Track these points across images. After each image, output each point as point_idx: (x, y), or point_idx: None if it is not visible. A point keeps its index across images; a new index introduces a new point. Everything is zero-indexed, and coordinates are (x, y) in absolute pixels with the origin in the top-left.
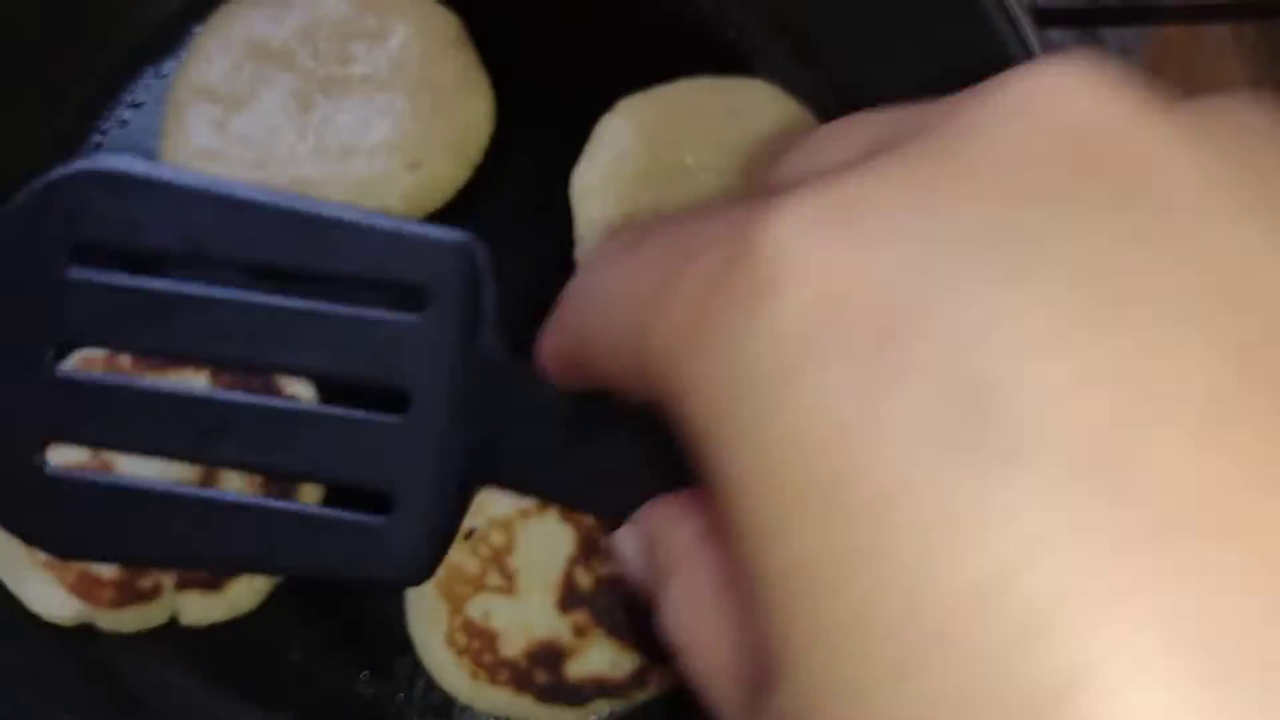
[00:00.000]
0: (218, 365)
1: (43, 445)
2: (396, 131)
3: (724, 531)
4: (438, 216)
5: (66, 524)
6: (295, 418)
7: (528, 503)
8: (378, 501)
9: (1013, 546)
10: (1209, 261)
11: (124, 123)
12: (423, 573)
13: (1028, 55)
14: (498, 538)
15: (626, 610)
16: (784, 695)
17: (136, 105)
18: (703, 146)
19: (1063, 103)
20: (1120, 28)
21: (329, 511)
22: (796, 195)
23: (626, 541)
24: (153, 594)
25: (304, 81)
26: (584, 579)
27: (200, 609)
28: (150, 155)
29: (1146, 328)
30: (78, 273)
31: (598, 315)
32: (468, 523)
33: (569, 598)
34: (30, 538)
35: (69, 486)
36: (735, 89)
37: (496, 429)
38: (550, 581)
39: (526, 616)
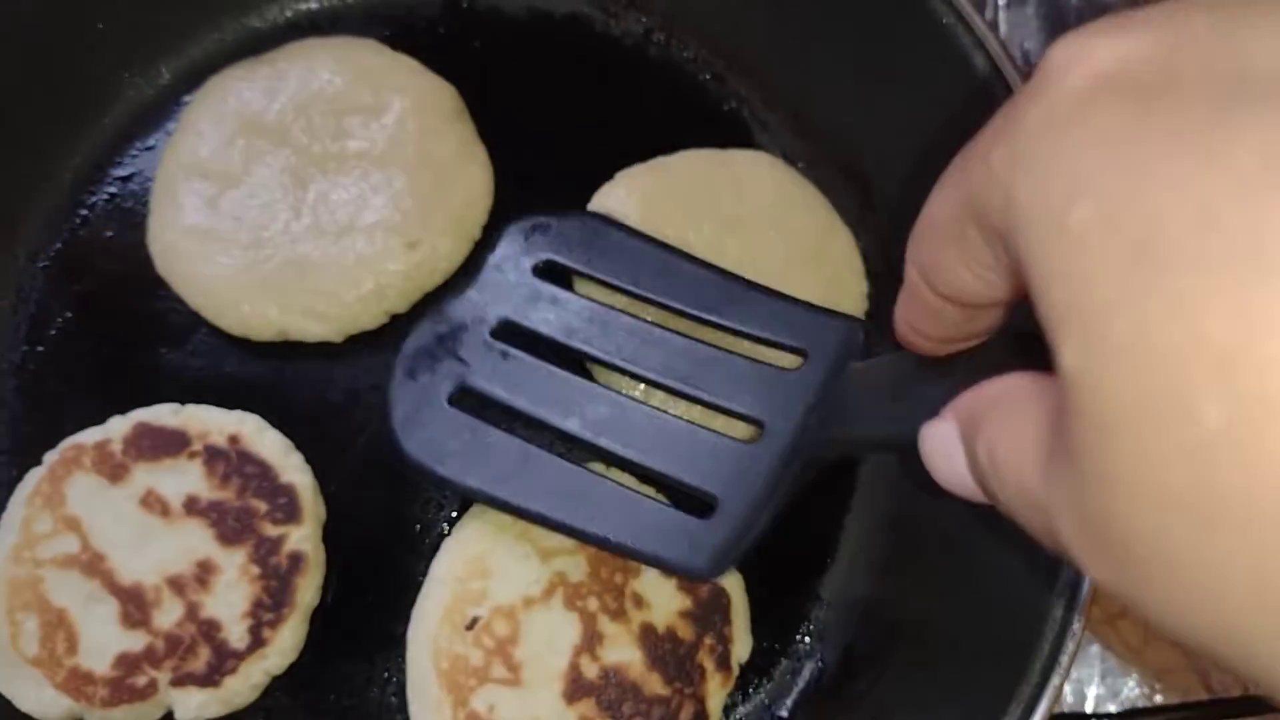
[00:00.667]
0: (640, 379)
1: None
2: (395, 209)
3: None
4: (438, 290)
5: (457, 451)
6: (664, 426)
7: (533, 591)
8: (700, 506)
9: None
10: None
11: (111, 196)
12: (716, 572)
13: (1009, 93)
14: (502, 627)
15: (633, 699)
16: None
17: (124, 178)
18: (702, 216)
19: None
20: None
21: (662, 504)
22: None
23: (934, 428)
24: (147, 691)
25: (298, 157)
26: (590, 669)
27: (195, 706)
28: (139, 229)
29: None
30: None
31: (933, 214)
32: (471, 611)
33: (575, 689)
34: (420, 457)
35: (468, 423)
36: (734, 160)
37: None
38: (556, 672)
39: (532, 708)
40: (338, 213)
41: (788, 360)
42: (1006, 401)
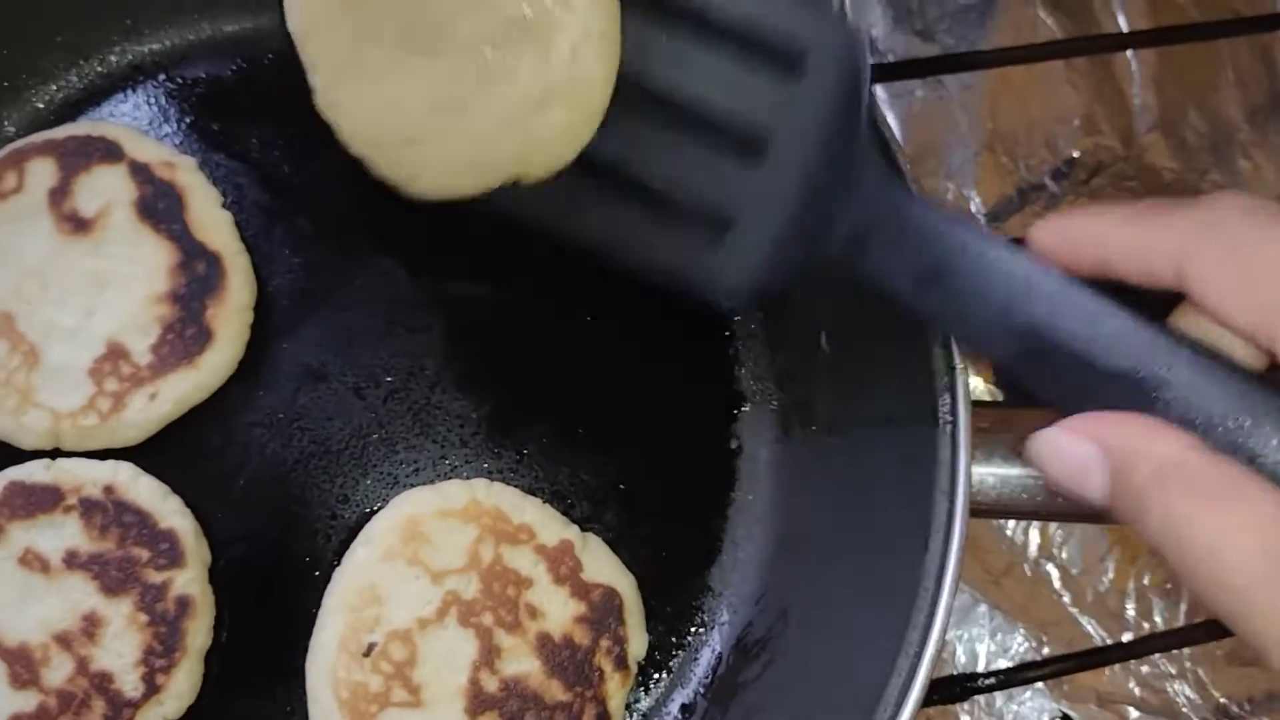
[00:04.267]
0: None
1: None
2: None
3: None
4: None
5: None
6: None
7: (426, 612)
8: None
9: None
10: None
11: None
12: (739, 296)
13: None
14: (398, 651)
15: (535, 708)
16: None
17: None
18: None
19: None
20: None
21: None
22: None
23: (1077, 447)
24: None
25: None
26: (490, 683)
27: None
28: None
29: None
30: None
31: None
32: (367, 638)
33: (477, 704)
34: None
35: None
36: None
37: (852, 216)
38: (456, 690)
39: None
40: None
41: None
42: (1198, 482)
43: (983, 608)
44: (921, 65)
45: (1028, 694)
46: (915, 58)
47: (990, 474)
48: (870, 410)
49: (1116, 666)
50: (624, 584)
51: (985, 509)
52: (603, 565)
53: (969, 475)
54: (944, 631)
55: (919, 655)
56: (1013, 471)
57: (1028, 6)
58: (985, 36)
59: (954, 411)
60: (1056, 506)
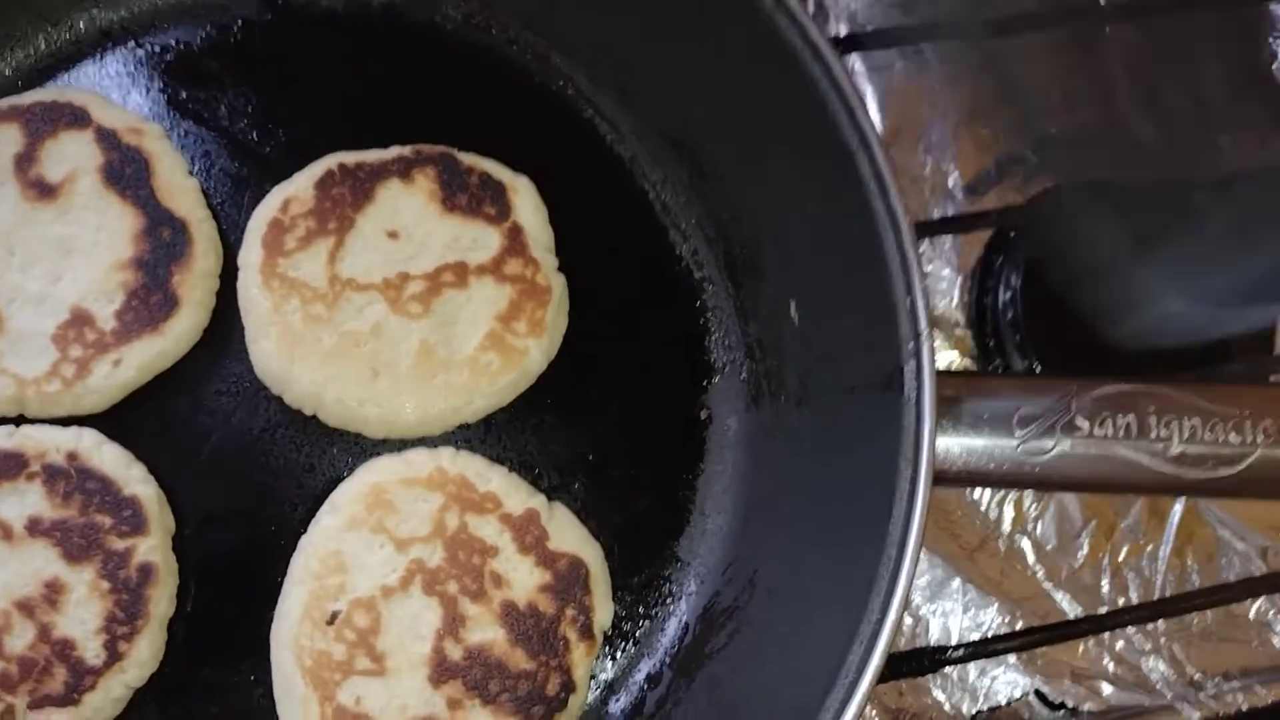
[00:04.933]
0: None
1: None
2: None
3: None
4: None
5: None
6: None
7: (390, 580)
8: None
9: None
10: None
11: None
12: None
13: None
14: (361, 619)
15: (499, 676)
16: None
17: None
18: None
19: None
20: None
21: None
22: None
23: None
24: (3, 717)
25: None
26: (454, 651)
27: None
28: None
29: None
30: None
31: None
32: (331, 607)
33: (440, 672)
34: None
35: None
36: None
37: None
38: (420, 658)
39: (400, 696)
40: None
41: None
42: None
43: (956, 582)
44: (901, 34)
45: (1001, 669)
46: (896, 26)
47: (956, 443)
48: (837, 379)
49: (1090, 642)
50: (590, 553)
51: (952, 477)
52: (569, 534)
53: (933, 442)
54: (906, 597)
55: (880, 622)
56: (979, 440)
57: None
58: (966, 9)
59: (919, 378)
60: (1025, 475)
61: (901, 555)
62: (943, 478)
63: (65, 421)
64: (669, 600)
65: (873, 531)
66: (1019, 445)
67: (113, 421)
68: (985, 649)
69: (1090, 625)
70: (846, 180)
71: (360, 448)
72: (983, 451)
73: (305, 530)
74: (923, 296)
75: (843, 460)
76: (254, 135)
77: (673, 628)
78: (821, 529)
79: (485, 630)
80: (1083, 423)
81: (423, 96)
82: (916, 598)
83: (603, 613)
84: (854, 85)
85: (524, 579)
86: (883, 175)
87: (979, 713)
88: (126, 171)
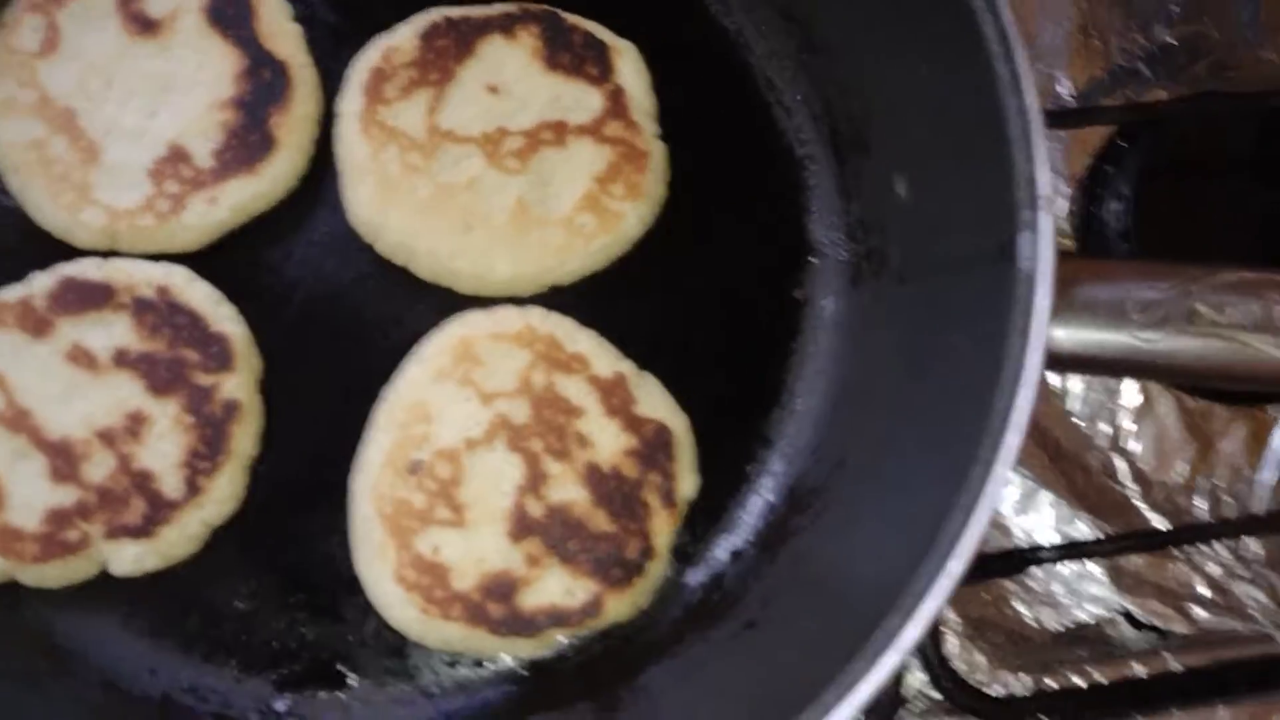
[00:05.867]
0: None
1: None
2: None
3: None
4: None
5: None
6: None
7: (474, 433)
8: None
9: None
10: None
11: None
12: None
13: None
14: (444, 470)
15: (578, 536)
16: None
17: None
18: None
19: None
20: None
21: None
22: None
23: None
24: (79, 546)
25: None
26: (535, 508)
27: (131, 559)
28: None
29: None
30: None
31: None
32: (414, 455)
33: (520, 528)
34: None
35: None
36: None
37: None
38: (500, 512)
39: (477, 549)
40: None
41: None
42: None
43: (1046, 496)
44: None
45: (1086, 584)
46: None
47: (1067, 327)
48: (945, 254)
49: (1181, 563)
50: (677, 423)
51: (1062, 361)
52: (656, 402)
53: (1046, 314)
54: (1005, 474)
55: (977, 495)
56: (1092, 324)
57: None
58: None
59: (1034, 250)
60: (1139, 362)
61: (1003, 430)
62: (1053, 361)
63: (155, 258)
64: (754, 478)
65: (976, 409)
66: (1135, 331)
67: (203, 262)
68: (1074, 551)
69: (1187, 535)
70: (967, 43)
71: (449, 304)
72: (1096, 336)
73: (390, 380)
74: (1044, 162)
75: (946, 337)
76: None
77: (756, 505)
78: (920, 408)
79: (567, 489)
80: (1204, 309)
81: None
82: (1004, 509)
83: (686, 482)
84: None
85: (609, 442)
86: (1007, 35)
87: (1065, 629)
88: (229, 12)
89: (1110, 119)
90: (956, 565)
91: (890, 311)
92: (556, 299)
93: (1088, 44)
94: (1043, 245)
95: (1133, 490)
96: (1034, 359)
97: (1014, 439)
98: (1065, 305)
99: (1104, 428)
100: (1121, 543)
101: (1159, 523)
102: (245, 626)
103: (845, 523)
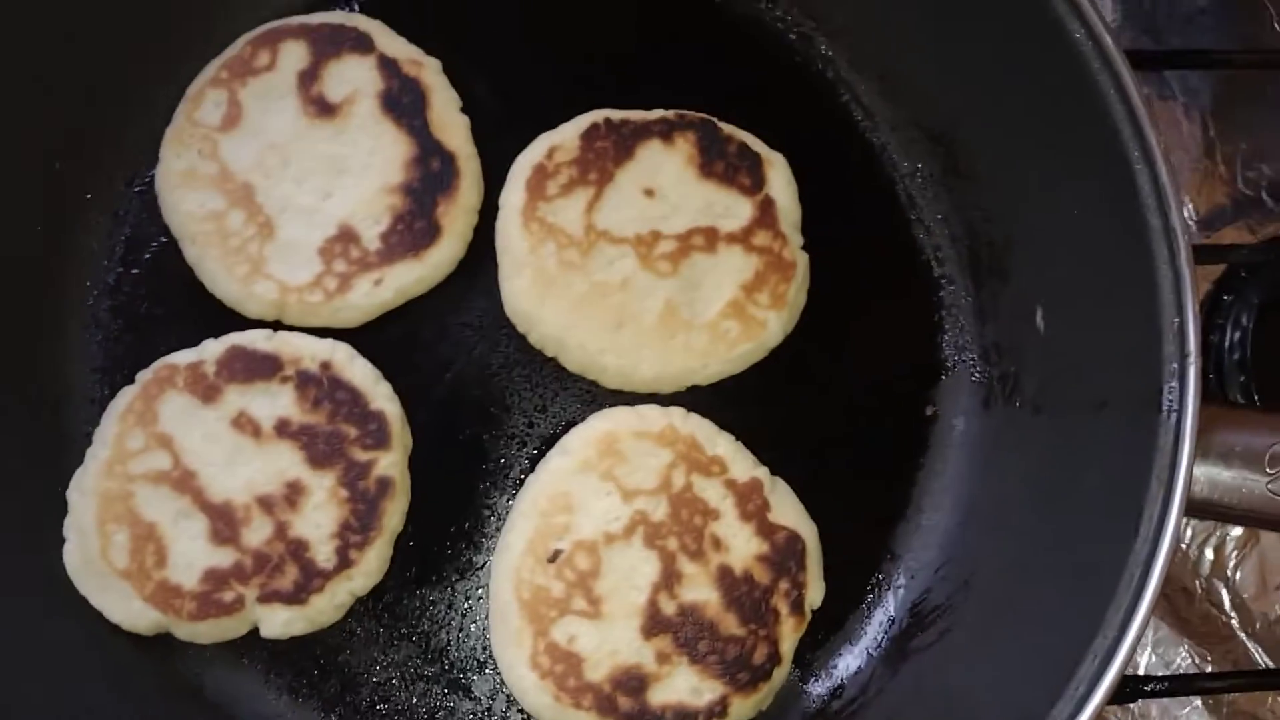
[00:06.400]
0: None
1: None
2: None
3: None
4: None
5: None
6: None
7: (614, 528)
8: None
9: None
10: None
11: None
12: None
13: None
14: (583, 561)
15: (709, 637)
16: None
17: None
18: None
19: None
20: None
21: None
22: None
23: None
24: (234, 607)
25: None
26: (668, 605)
27: (281, 623)
28: None
29: None
30: None
31: None
32: (554, 544)
33: (653, 624)
34: None
35: None
36: None
37: None
38: (635, 607)
39: (611, 641)
40: None
41: None
42: None
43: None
44: (1146, 58)
45: (1185, 710)
46: (1141, 49)
47: (1202, 473)
48: (1083, 392)
49: None
50: (808, 530)
51: (1195, 507)
52: (789, 509)
53: (1190, 465)
54: (1146, 620)
55: (1118, 640)
56: (1227, 473)
57: (1263, 12)
58: (1216, 41)
59: (1181, 399)
60: (1272, 515)
61: (1147, 576)
62: (1187, 506)
63: (319, 333)
64: (878, 590)
65: (1113, 549)
66: (1269, 481)
67: (363, 339)
68: (1184, 686)
69: None
70: (1122, 192)
71: (592, 396)
72: (1229, 485)
73: (531, 466)
74: (1194, 318)
75: (1082, 473)
76: (522, 84)
77: (879, 617)
78: (1051, 540)
79: (700, 590)
80: None
81: (686, 63)
82: None
83: (815, 591)
84: (1142, 96)
85: (742, 546)
86: (1164, 190)
87: None
88: (404, 100)
89: (1237, 257)
90: (1097, 699)
91: (1022, 439)
92: (692, 399)
93: (1213, 170)
94: (1190, 396)
95: (1234, 619)
96: (1175, 508)
97: (1154, 586)
98: (1201, 452)
99: (1208, 554)
100: (1233, 679)
101: (1260, 656)
102: (381, 695)
103: (970, 644)
